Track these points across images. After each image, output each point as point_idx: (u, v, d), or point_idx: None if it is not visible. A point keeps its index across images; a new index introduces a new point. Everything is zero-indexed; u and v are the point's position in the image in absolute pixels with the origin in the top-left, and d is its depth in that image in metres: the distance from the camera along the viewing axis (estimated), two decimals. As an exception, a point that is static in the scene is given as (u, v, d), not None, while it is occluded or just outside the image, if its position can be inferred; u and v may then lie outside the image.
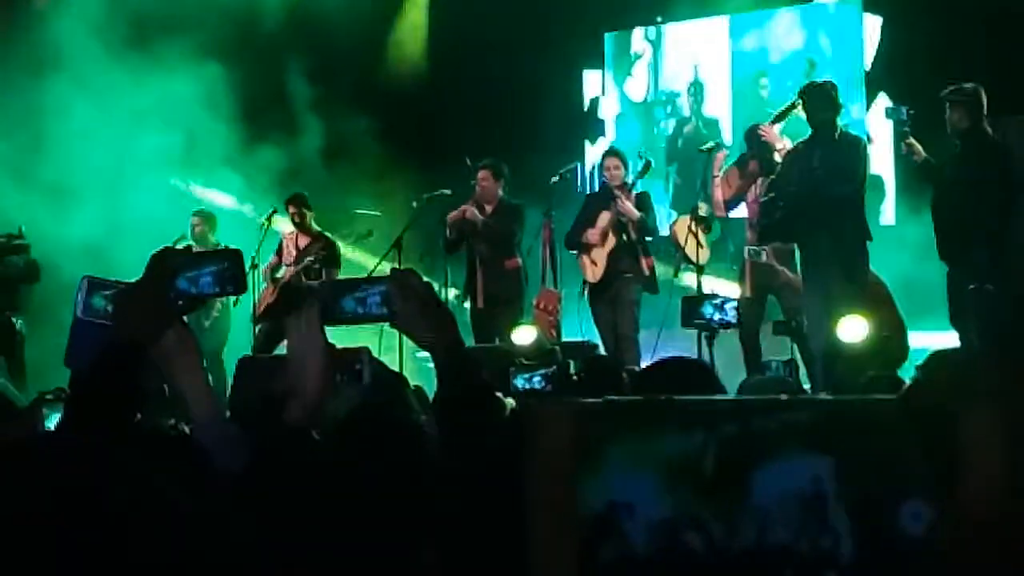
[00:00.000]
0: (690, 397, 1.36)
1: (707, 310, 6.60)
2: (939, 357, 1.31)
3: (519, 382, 6.12)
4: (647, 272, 9.08)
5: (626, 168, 9.22)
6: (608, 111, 12.78)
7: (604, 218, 9.07)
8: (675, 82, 12.42)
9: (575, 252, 9.31)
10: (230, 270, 2.38)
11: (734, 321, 6.58)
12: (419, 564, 2.05)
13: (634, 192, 9.19)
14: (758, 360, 8.19)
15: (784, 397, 1.36)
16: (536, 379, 6.11)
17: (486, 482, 2.08)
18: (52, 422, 4.94)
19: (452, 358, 2.41)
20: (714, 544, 1.38)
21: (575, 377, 6.17)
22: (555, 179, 9.69)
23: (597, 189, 9.62)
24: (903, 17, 10.66)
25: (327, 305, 2.49)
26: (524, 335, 7.57)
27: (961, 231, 7.63)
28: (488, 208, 9.40)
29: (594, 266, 9.14)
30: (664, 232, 10.18)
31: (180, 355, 2.34)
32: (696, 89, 12.12)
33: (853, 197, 7.72)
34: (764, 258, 8.59)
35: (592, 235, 9.12)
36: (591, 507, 1.38)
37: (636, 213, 8.97)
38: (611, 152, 9.50)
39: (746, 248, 8.78)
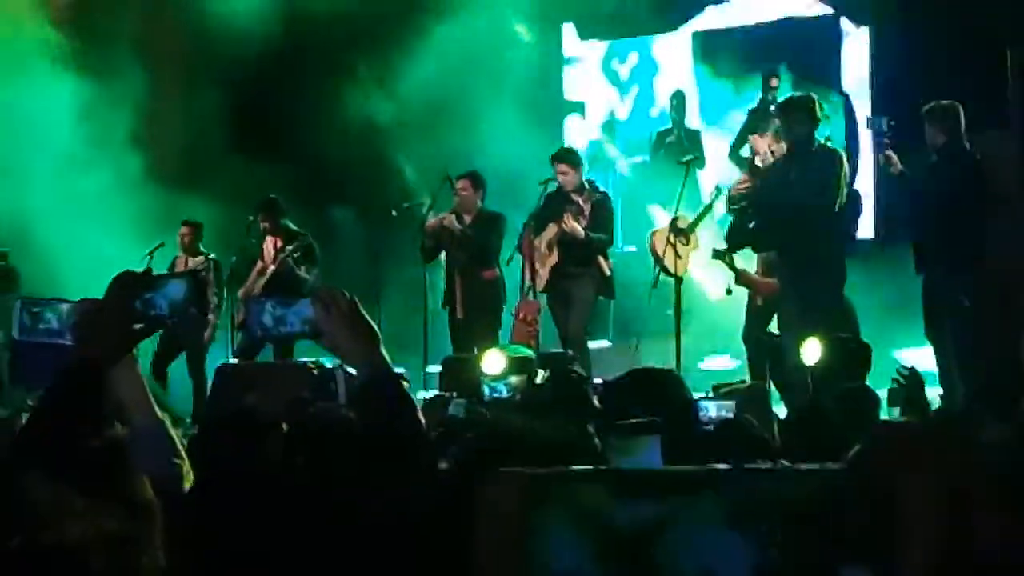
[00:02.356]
0: (636, 469, 1.38)
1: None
2: (883, 427, 1.34)
3: (486, 390, 6.23)
4: (606, 272, 8.99)
5: (577, 170, 9.04)
6: (591, 118, 12.76)
7: (551, 231, 8.97)
8: (657, 93, 12.42)
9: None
10: (187, 293, 2.40)
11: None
12: None
13: (594, 195, 9.01)
14: (762, 367, 8.21)
15: (731, 467, 1.39)
16: (500, 387, 6.24)
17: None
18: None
19: (376, 375, 2.43)
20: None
21: (541, 385, 6.22)
22: (541, 186, 9.56)
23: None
24: (890, 28, 10.58)
25: (245, 321, 2.53)
26: (493, 363, 7.35)
27: (937, 244, 7.68)
28: (467, 218, 9.35)
29: (539, 277, 9.10)
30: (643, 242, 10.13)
31: (122, 365, 2.36)
32: (678, 100, 12.10)
33: (829, 210, 7.77)
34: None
35: (539, 244, 9.03)
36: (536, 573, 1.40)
37: (581, 233, 8.80)
38: (559, 156, 9.14)
39: (712, 249, 8.81)
